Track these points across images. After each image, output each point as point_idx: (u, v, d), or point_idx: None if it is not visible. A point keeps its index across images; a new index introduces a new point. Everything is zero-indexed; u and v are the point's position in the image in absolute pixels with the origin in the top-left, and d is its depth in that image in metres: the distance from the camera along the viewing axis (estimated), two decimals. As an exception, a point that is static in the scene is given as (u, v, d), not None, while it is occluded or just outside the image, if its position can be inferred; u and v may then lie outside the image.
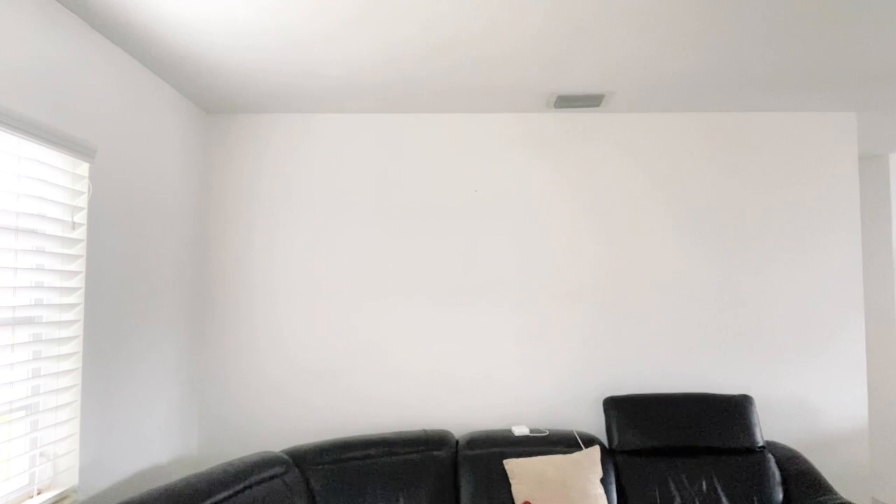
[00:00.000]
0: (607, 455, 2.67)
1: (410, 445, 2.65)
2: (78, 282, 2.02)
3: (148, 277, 2.45)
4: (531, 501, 2.43)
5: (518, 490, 2.48)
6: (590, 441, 2.71)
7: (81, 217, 2.02)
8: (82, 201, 2.03)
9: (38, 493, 1.88)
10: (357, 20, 2.06)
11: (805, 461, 2.65)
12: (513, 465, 2.55)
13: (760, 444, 2.68)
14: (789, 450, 2.72)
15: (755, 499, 2.56)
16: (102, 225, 2.13)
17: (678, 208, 3.07)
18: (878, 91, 2.80)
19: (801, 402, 3.00)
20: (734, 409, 2.72)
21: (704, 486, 2.59)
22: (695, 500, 2.56)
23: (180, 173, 2.76)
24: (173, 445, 2.69)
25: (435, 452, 2.65)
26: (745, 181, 3.07)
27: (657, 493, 2.57)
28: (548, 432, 2.74)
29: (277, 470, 2.35)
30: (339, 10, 1.98)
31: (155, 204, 2.52)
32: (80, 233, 2.02)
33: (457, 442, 2.75)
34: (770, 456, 2.67)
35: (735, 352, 3.02)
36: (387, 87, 2.69)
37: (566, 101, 2.88)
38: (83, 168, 2.04)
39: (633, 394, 2.85)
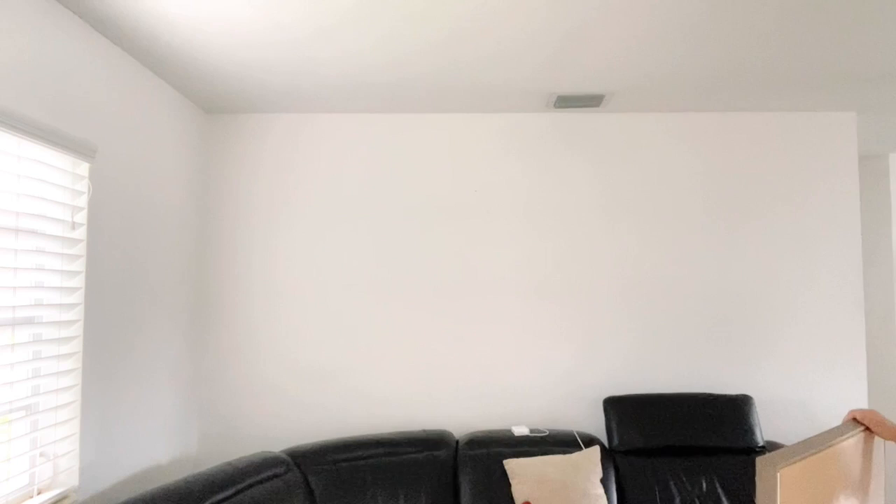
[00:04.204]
0: (607, 455, 2.67)
1: (410, 445, 2.65)
2: (78, 282, 2.02)
3: (148, 277, 2.45)
4: (531, 501, 2.43)
5: (518, 490, 2.48)
6: (590, 441, 2.71)
7: (81, 217, 2.02)
8: (82, 201, 2.03)
9: (39, 493, 1.88)
10: (354, 16, 2.05)
11: (805, 461, 2.65)
12: (513, 465, 2.55)
13: (760, 444, 2.68)
14: (789, 450, 2.72)
15: (755, 499, 2.55)
16: (102, 225, 2.13)
17: (679, 208, 3.06)
18: (878, 91, 2.80)
19: (801, 402, 3.00)
20: (734, 409, 2.72)
21: (704, 486, 2.59)
22: (695, 500, 2.56)
23: (180, 173, 2.76)
24: (173, 445, 2.69)
25: (435, 452, 2.65)
26: (746, 181, 3.07)
27: (657, 493, 2.57)
28: (548, 432, 2.74)
29: (277, 470, 2.35)
30: (336, 6, 1.98)
31: (155, 204, 2.52)
32: (81, 233, 2.02)
33: (457, 442, 2.75)
34: (770, 456, 2.67)
35: (735, 352, 3.02)
36: (385, 86, 2.69)
37: (566, 101, 2.88)
38: (83, 168, 2.04)
39: (632, 394, 2.85)
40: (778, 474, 1.07)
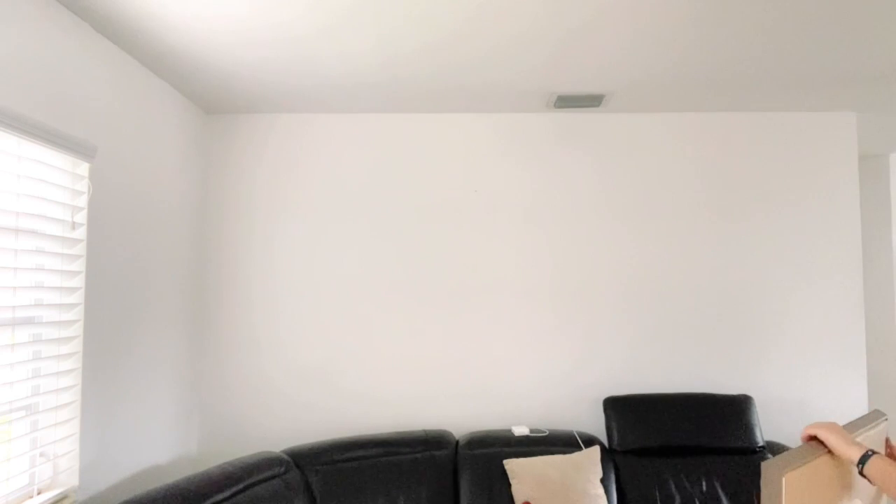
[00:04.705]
0: (607, 455, 2.67)
1: (410, 445, 2.65)
2: (78, 282, 2.02)
3: (148, 277, 2.45)
4: (531, 501, 2.43)
5: (518, 490, 2.48)
6: (590, 441, 2.71)
7: (81, 217, 2.02)
8: (82, 201, 2.03)
9: (39, 493, 1.88)
10: (354, 15, 2.05)
11: (805, 461, 2.65)
12: (513, 465, 2.55)
13: (760, 444, 2.68)
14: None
15: (755, 499, 2.55)
16: (102, 225, 2.13)
17: (679, 208, 3.06)
18: (878, 91, 2.80)
19: (801, 402, 3.00)
20: (734, 409, 2.72)
21: (704, 486, 2.59)
22: (695, 500, 2.56)
23: (180, 173, 2.76)
24: (173, 445, 2.69)
25: (435, 452, 2.65)
26: (745, 181, 3.07)
27: (657, 493, 2.57)
28: (548, 432, 2.74)
29: (277, 470, 2.35)
30: (336, 5, 1.98)
31: (155, 204, 2.52)
32: (80, 233, 2.02)
33: (457, 442, 2.75)
34: (770, 456, 2.67)
35: (735, 352, 3.02)
36: (385, 85, 2.69)
37: (566, 101, 2.88)
38: (83, 168, 2.04)
39: (632, 394, 2.85)
40: (783, 479, 1.07)
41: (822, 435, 1.21)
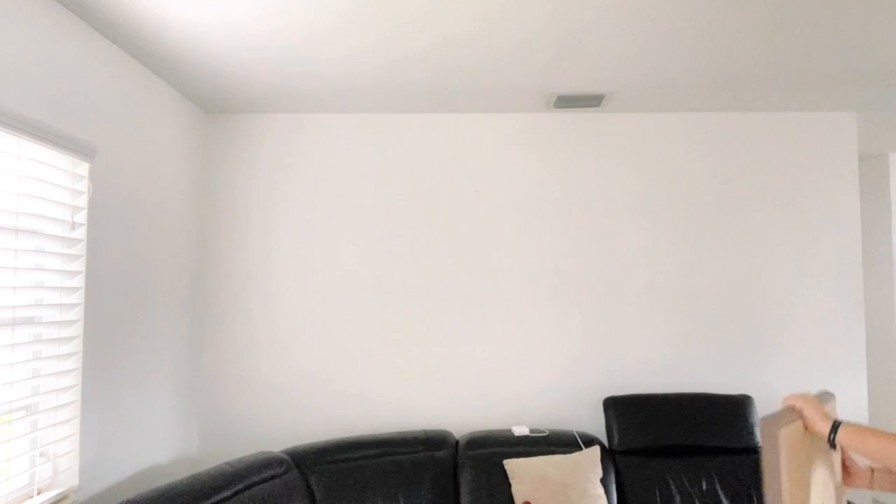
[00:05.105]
0: (607, 455, 2.67)
1: (410, 445, 2.65)
2: (78, 282, 2.02)
3: (147, 277, 2.45)
4: (531, 501, 2.43)
5: (518, 490, 2.48)
6: (590, 441, 2.71)
7: (81, 217, 2.02)
8: (82, 201, 2.03)
9: (38, 493, 1.88)
10: (355, 18, 2.05)
11: (805, 461, 2.65)
12: (513, 465, 2.55)
13: (760, 444, 2.68)
14: (789, 450, 2.72)
15: (755, 499, 2.56)
16: (102, 225, 2.14)
17: (678, 208, 3.07)
18: (878, 91, 2.80)
19: (801, 402, 2.99)
20: (734, 409, 2.72)
21: (704, 486, 2.59)
22: (695, 500, 2.56)
23: (180, 173, 2.76)
24: (173, 445, 2.69)
25: (435, 452, 2.65)
26: (745, 181, 3.07)
27: (657, 493, 2.57)
28: (548, 432, 2.74)
29: (277, 470, 2.35)
30: (337, 9, 1.98)
31: (154, 204, 2.52)
32: (81, 233, 2.02)
33: (457, 442, 2.75)
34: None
35: (735, 352, 3.02)
36: (386, 87, 2.69)
37: (566, 101, 2.88)
38: (83, 168, 2.04)
39: (633, 394, 2.85)
40: (779, 433, 1.15)
41: (798, 406, 1.29)
